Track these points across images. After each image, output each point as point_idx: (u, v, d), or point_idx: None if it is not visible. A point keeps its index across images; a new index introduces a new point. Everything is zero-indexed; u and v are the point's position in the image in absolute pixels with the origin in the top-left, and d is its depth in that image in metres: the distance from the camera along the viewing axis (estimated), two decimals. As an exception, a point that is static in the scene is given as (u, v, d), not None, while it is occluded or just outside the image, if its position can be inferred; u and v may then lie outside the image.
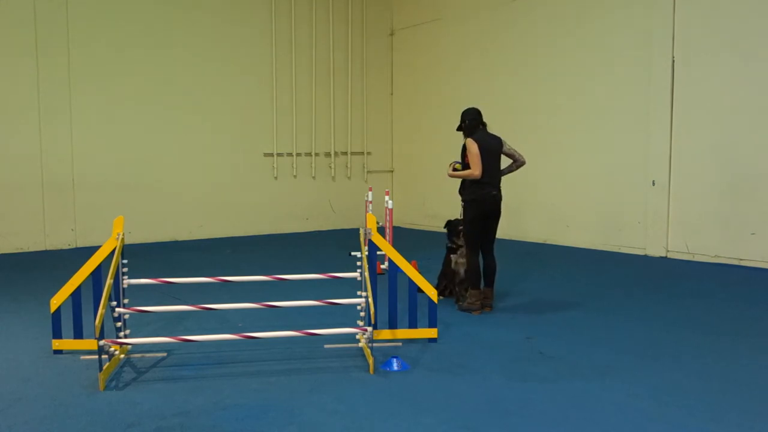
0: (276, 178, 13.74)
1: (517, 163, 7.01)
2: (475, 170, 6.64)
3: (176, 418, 4.24)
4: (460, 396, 4.60)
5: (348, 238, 12.21)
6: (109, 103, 11.83)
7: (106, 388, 4.77)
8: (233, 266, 9.76)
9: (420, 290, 5.89)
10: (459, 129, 7.01)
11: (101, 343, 4.83)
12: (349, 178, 14.64)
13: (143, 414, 4.31)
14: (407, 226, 14.54)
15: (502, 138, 6.94)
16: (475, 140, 6.72)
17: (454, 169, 6.87)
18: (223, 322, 6.52)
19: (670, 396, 4.57)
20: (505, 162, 6.91)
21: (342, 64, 14.38)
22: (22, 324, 6.54)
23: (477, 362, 5.32)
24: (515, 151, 6.97)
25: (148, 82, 12.20)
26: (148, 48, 12.16)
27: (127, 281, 5.59)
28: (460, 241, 7.15)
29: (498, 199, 6.85)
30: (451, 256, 7.38)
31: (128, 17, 11.97)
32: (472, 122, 6.85)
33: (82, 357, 5.46)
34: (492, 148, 6.79)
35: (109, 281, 5.18)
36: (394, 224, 10.75)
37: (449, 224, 7.43)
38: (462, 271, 7.18)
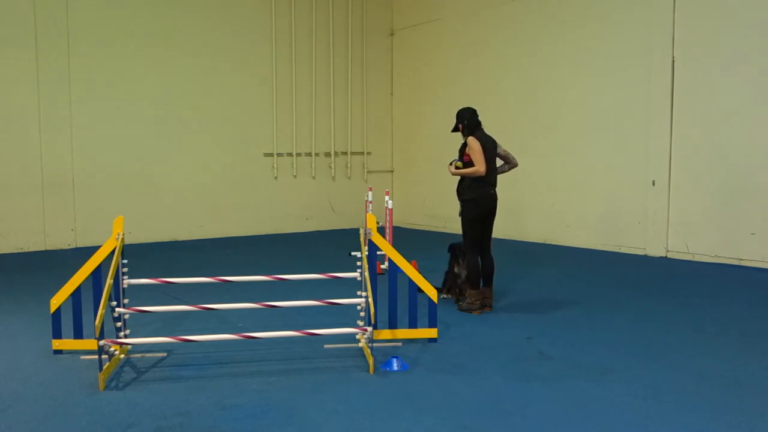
0: (276, 178, 13.74)
1: (511, 165, 7.02)
2: (480, 167, 6.64)
3: (176, 418, 4.24)
4: (460, 396, 4.60)
5: (348, 238, 12.22)
6: (109, 103, 11.83)
7: (106, 388, 4.77)
8: (233, 266, 9.76)
9: (420, 290, 5.89)
10: (455, 130, 7.00)
11: (101, 343, 4.83)
12: (349, 178, 14.65)
13: (143, 414, 4.31)
14: (407, 226, 14.54)
15: (496, 139, 6.96)
16: (476, 138, 6.73)
17: (456, 167, 6.86)
18: (223, 322, 6.52)
19: (670, 396, 4.57)
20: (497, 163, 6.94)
21: (342, 64, 14.38)
22: (22, 324, 6.54)
23: (477, 362, 5.32)
24: (509, 153, 6.99)
25: (148, 82, 12.20)
26: (148, 48, 12.16)
27: (127, 281, 5.58)
28: (463, 266, 7.13)
29: (496, 197, 6.87)
30: (452, 261, 7.38)
31: (128, 18, 11.96)
32: (471, 121, 6.86)
33: (82, 357, 5.46)
34: (490, 147, 6.80)
35: (109, 281, 5.18)
36: (394, 224, 10.75)
37: (452, 248, 7.42)
38: (463, 275, 7.19)
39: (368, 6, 14.65)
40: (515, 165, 7.04)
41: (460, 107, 7.06)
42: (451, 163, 6.88)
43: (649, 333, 6.15)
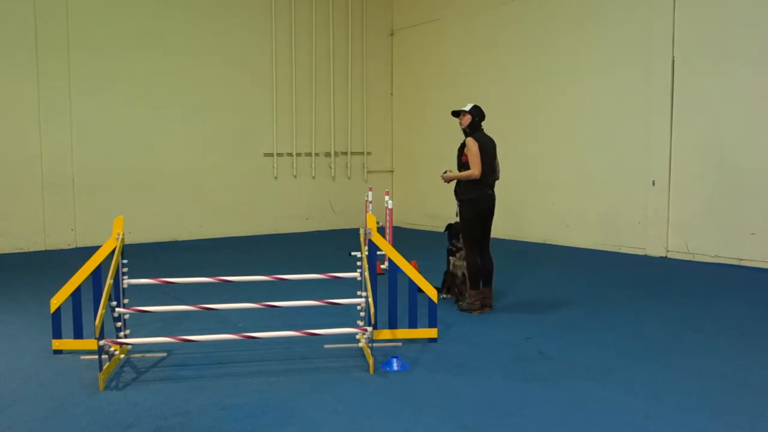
0: (276, 178, 13.74)
1: (493, 176, 6.98)
2: (475, 170, 6.63)
3: (176, 418, 4.24)
4: (460, 396, 4.60)
5: (348, 238, 12.22)
6: (109, 103, 11.83)
7: (106, 388, 4.77)
8: (233, 266, 9.76)
9: (420, 290, 5.89)
10: (456, 115, 6.94)
11: (101, 343, 4.83)
12: (349, 178, 14.65)
13: (143, 414, 4.31)
14: (407, 226, 14.54)
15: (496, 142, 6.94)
16: (476, 140, 6.72)
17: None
18: (223, 322, 6.52)
19: (670, 396, 4.57)
20: None
21: (342, 64, 14.39)
22: (22, 324, 6.54)
23: (477, 362, 5.32)
24: (497, 164, 6.95)
25: (149, 83, 12.20)
26: (148, 48, 12.16)
27: (127, 281, 5.58)
28: (460, 243, 7.16)
29: (494, 197, 6.87)
30: (450, 258, 7.40)
31: (128, 18, 11.97)
32: (478, 122, 6.84)
33: (82, 357, 5.46)
34: (489, 148, 6.80)
35: (109, 281, 5.18)
36: (394, 224, 10.75)
37: (450, 227, 7.44)
38: (460, 273, 7.20)
39: (368, 6, 14.65)
40: (497, 178, 6.99)
41: (471, 103, 7.00)
42: (445, 172, 6.89)
43: (649, 333, 6.15)
